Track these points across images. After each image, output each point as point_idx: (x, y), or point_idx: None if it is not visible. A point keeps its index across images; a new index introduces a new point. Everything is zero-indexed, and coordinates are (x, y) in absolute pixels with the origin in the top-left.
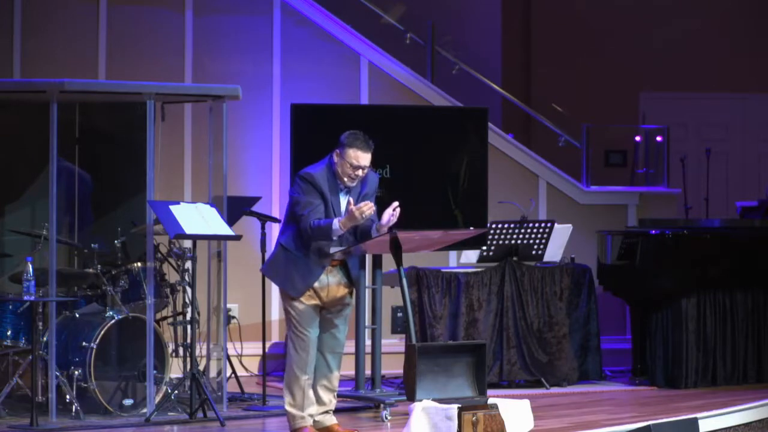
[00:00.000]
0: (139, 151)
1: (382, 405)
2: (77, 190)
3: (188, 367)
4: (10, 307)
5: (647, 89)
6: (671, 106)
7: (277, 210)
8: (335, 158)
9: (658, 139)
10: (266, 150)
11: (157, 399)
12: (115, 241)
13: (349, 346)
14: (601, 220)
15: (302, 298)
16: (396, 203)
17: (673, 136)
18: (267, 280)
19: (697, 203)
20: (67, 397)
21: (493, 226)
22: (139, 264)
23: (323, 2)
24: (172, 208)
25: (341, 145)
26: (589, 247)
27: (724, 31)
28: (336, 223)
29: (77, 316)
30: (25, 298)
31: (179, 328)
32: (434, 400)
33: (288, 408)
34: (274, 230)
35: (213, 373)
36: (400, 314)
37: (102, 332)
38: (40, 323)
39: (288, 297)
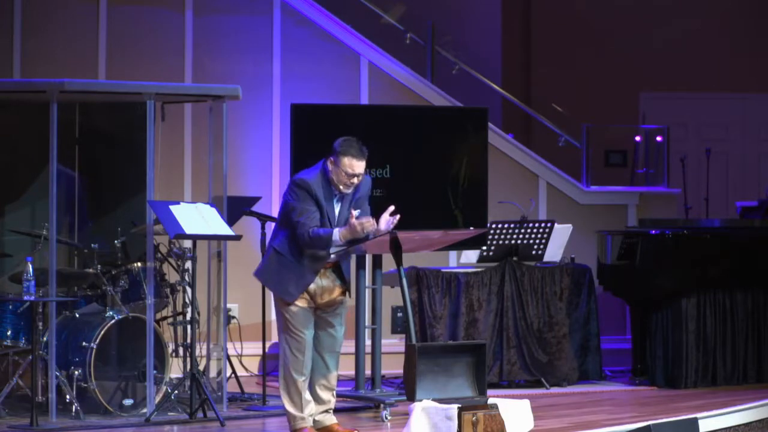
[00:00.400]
0: (139, 151)
1: (382, 405)
2: (65, 188)
3: (188, 367)
4: (10, 307)
5: (647, 89)
6: (671, 106)
7: (276, 210)
8: (329, 166)
9: (658, 139)
10: (266, 150)
11: (157, 399)
12: (115, 241)
13: (349, 346)
14: (601, 220)
15: (296, 301)
16: (392, 207)
17: (673, 136)
18: None
19: (697, 203)
20: (67, 397)
21: (493, 226)
22: (139, 264)
23: (323, 2)
24: (172, 208)
25: (335, 153)
26: (589, 247)
27: (724, 31)
28: (336, 233)
29: (77, 316)
30: (25, 298)
31: (179, 328)
32: (434, 400)
33: (288, 409)
34: None
35: (213, 373)
36: (400, 314)
37: (102, 332)
38: (40, 323)
39: (281, 301)
